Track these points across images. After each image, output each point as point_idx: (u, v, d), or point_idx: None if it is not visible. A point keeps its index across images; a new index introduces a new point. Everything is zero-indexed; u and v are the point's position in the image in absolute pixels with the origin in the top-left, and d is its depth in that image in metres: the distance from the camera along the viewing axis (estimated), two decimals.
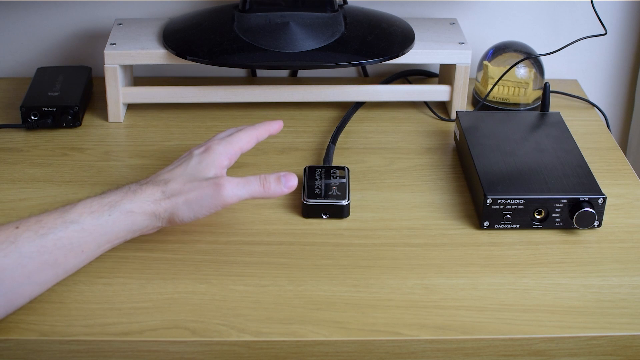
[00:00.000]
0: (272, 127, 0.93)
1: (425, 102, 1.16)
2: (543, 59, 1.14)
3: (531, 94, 1.13)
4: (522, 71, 1.12)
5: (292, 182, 0.85)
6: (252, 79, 1.24)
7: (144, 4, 1.20)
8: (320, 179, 0.94)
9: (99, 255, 0.81)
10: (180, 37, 1.08)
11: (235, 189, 0.83)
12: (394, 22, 1.13)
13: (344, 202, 0.91)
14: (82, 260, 0.79)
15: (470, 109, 1.15)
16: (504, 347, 0.77)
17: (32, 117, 1.06)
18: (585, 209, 0.88)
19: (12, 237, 0.74)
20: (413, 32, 1.12)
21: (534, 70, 1.13)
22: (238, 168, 1.00)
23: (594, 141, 1.08)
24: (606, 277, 0.84)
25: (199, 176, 0.84)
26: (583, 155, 0.96)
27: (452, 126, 1.11)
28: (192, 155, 0.87)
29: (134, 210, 0.80)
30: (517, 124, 1.03)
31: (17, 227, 0.75)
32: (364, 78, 1.26)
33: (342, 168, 0.96)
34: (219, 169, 0.85)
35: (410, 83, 1.21)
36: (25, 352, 0.76)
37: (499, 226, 0.90)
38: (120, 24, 1.13)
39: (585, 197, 0.89)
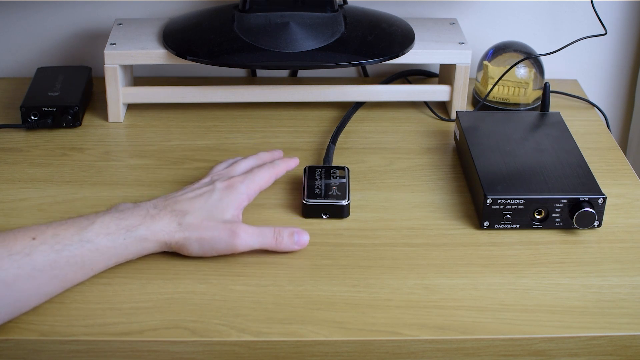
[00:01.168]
0: (291, 164, 0.95)
1: (425, 102, 1.16)
2: (543, 59, 1.14)
3: (531, 94, 1.13)
4: (522, 71, 1.12)
5: (304, 239, 0.86)
6: (252, 79, 1.25)
7: (144, 4, 1.20)
8: (320, 179, 0.94)
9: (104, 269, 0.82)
10: (180, 37, 1.08)
11: (249, 239, 0.84)
12: (394, 22, 1.13)
13: (344, 202, 0.91)
14: (89, 276, 0.80)
15: (470, 109, 1.15)
16: (504, 347, 0.77)
17: (32, 117, 1.06)
18: (585, 209, 0.88)
19: (27, 248, 0.74)
20: (413, 32, 1.12)
21: (534, 70, 1.13)
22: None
23: (594, 141, 1.08)
24: (606, 277, 0.84)
25: (217, 215, 0.84)
26: (583, 155, 0.96)
27: (452, 126, 1.11)
28: (215, 188, 0.86)
29: (148, 237, 0.81)
30: (517, 124, 1.03)
31: (33, 238, 0.75)
32: (364, 78, 1.26)
33: (342, 168, 0.96)
34: (237, 210, 0.86)
35: (410, 83, 1.21)
36: (25, 352, 0.76)
37: (499, 226, 0.90)
38: (120, 24, 1.13)
39: (585, 197, 0.89)
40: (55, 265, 0.76)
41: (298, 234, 0.86)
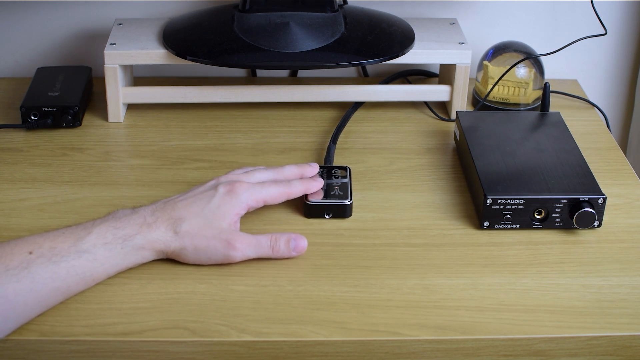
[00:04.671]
0: (312, 187, 0.90)
1: (425, 102, 1.15)
2: (543, 59, 1.14)
3: (531, 94, 1.13)
4: (522, 71, 1.12)
5: (301, 246, 0.84)
6: (252, 79, 1.24)
7: (144, 4, 1.20)
8: (322, 179, 0.94)
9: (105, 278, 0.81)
10: (180, 37, 1.08)
11: (245, 250, 0.83)
12: (394, 22, 1.13)
13: (347, 202, 0.91)
14: (91, 286, 0.80)
15: (470, 109, 1.15)
16: (504, 347, 0.77)
17: (32, 117, 1.06)
18: (585, 209, 0.88)
19: (25, 262, 0.74)
20: (413, 32, 1.12)
21: (534, 70, 1.13)
22: (238, 168, 1.00)
23: (594, 141, 1.08)
24: (606, 277, 0.84)
25: (214, 223, 0.82)
26: (583, 155, 0.96)
27: (452, 126, 1.11)
28: (216, 193, 0.84)
29: (145, 246, 0.81)
30: (517, 124, 1.03)
31: (30, 253, 0.75)
32: (364, 78, 1.26)
33: (344, 168, 0.96)
34: (235, 218, 0.84)
35: (410, 83, 1.21)
36: (25, 352, 0.76)
37: (499, 226, 0.90)
38: (120, 24, 1.13)
39: (585, 197, 0.89)
40: (56, 277, 0.75)
41: (295, 240, 0.84)
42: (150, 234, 0.81)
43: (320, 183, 0.91)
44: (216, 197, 0.84)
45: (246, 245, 0.83)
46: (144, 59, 1.07)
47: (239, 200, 0.84)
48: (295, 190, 0.89)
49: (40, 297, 0.75)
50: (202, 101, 1.11)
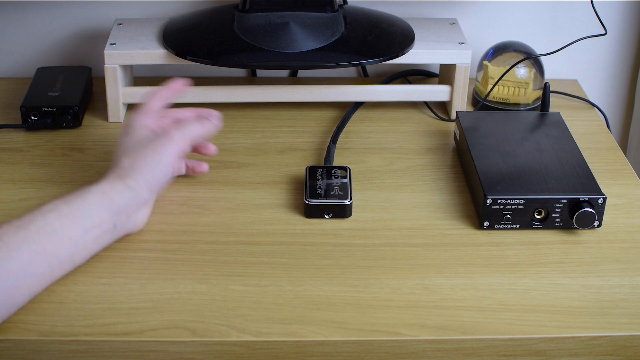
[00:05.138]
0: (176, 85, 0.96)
1: (425, 102, 1.16)
2: (543, 59, 1.14)
3: (531, 94, 1.13)
4: (522, 71, 1.12)
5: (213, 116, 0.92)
6: (252, 79, 1.24)
7: (144, 4, 1.20)
8: (322, 179, 0.94)
9: (91, 242, 0.81)
10: (180, 37, 1.08)
11: (183, 129, 0.88)
12: (394, 22, 1.13)
13: (346, 202, 0.91)
14: (72, 247, 0.79)
15: (470, 109, 1.15)
16: (504, 347, 0.77)
17: (32, 117, 1.06)
18: (585, 209, 0.88)
19: None
20: (413, 32, 1.12)
21: (534, 70, 1.13)
22: (237, 168, 1.00)
23: (594, 141, 1.08)
24: (606, 277, 0.84)
25: (137, 137, 0.87)
26: (583, 155, 0.96)
27: (452, 126, 1.11)
28: (119, 134, 0.90)
29: (105, 190, 0.82)
30: (517, 124, 1.03)
31: None
32: (364, 78, 1.26)
33: (344, 168, 0.96)
34: (146, 123, 0.89)
35: (410, 83, 1.21)
36: (25, 352, 0.76)
37: (499, 226, 0.90)
38: (120, 24, 1.13)
39: (585, 197, 0.89)
40: (29, 239, 0.75)
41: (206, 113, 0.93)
42: (103, 182, 0.83)
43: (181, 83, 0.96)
44: (121, 133, 0.90)
45: (179, 127, 0.88)
46: (144, 59, 1.07)
47: (135, 118, 0.90)
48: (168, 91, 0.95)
49: (20, 263, 0.74)
50: (202, 101, 1.11)
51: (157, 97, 0.93)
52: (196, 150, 0.96)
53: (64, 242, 0.78)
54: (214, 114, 0.94)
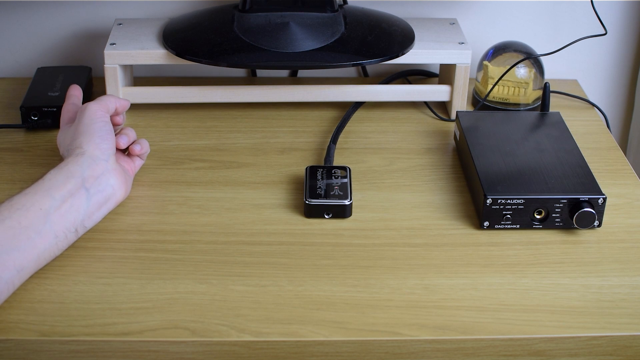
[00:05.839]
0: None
1: (425, 102, 1.16)
2: (543, 59, 1.14)
3: (531, 94, 1.13)
4: (522, 71, 1.12)
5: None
6: (252, 79, 1.25)
7: (144, 4, 1.20)
8: (322, 179, 0.94)
9: (67, 210, 0.82)
10: (180, 37, 1.08)
11: (97, 99, 0.92)
12: (394, 22, 1.13)
13: (346, 202, 0.91)
14: (46, 217, 0.80)
15: (470, 109, 1.15)
16: (504, 347, 0.77)
17: (32, 117, 1.06)
18: (585, 209, 0.88)
19: None
20: (413, 32, 1.12)
21: (534, 70, 1.13)
22: (237, 168, 1.00)
23: (594, 141, 1.08)
24: (606, 277, 0.84)
25: (81, 119, 0.90)
26: (583, 155, 0.96)
27: (452, 126, 1.11)
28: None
29: (60, 166, 0.85)
30: (517, 124, 1.03)
31: None
32: (364, 78, 1.26)
33: (344, 168, 0.96)
34: (75, 102, 0.97)
35: (410, 83, 1.21)
36: (25, 352, 0.76)
37: (499, 226, 0.90)
38: (120, 24, 1.13)
39: (585, 197, 0.89)
40: (1, 217, 0.77)
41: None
42: (63, 165, 0.85)
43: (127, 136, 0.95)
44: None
45: (95, 101, 0.92)
46: (144, 59, 1.07)
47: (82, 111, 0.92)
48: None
49: None
50: (202, 101, 1.11)
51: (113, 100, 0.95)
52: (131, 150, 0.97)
53: (37, 213, 0.79)
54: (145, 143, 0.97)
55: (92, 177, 0.85)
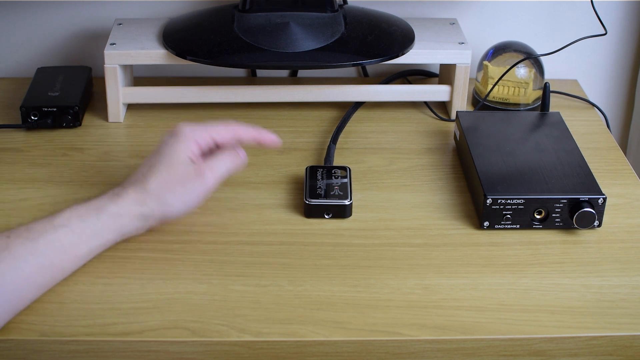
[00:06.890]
0: (262, 135, 0.88)
1: (425, 102, 1.16)
2: (543, 59, 1.14)
3: (531, 94, 1.13)
4: (522, 71, 1.12)
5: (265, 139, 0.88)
6: (252, 79, 1.25)
7: (144, 4, 1.20)
8: (322, 179, 0.94)
9: (94, 256, 0.82)
10: (180, 37, 1.08)
11: (215, 170, 0.85)
12: (394, 22, 1.13)
13: (346, 202, 0.91)
14: (77, 263, 0.80)
15: (470, 109, 1.15)
16: (504, 347, 0.77)
17: (32, 117, 1.06)
18: (585, 209, 0.88)
19: (3, 244, 0.75)
20: (413, 32, 1.12)
21: (534, 70, 1.13)
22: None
23: (594, 141, 1.08)
24: (606, 277, 0.84)
25: (173, 165, 0.83)
26: (583, 155, 0.96)
27: (452, 126, 1.11)
28: (163, 141, 0.86)
29: (121, 213, 0.81)
30: (517, 124, 1.03)
31: (8, 237, 0.76)
32: (364, 78, 1.26)
33: (344, 168, 0.96)
34: (187, 151, 0.84)
35: (410, 83, 1.21)
36: (25, 352, 0.76)
37: (499, 226, 0.90)
38: (120, 24, 1.13)
39: (585, 197, 0.89)
40: (37, 253, 0.76)
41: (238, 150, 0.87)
42: (122, 201, 0.81)
43: (274, 139, 0.89)
44: (164, 144, 0.85)
45: (213, 167, 0.85)
46: (144, 59, 1.07)
47: (184, 136, 0.85)
48: (245, 131, 0.88)
49: (26, 275, 0.75)
50: (202, 101, 1.11)
51: (224, 126, 0.87)
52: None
53: (71, 258, 0.79)
54: (252, 134, 0.88)
55: (130, 235, 0.84)
